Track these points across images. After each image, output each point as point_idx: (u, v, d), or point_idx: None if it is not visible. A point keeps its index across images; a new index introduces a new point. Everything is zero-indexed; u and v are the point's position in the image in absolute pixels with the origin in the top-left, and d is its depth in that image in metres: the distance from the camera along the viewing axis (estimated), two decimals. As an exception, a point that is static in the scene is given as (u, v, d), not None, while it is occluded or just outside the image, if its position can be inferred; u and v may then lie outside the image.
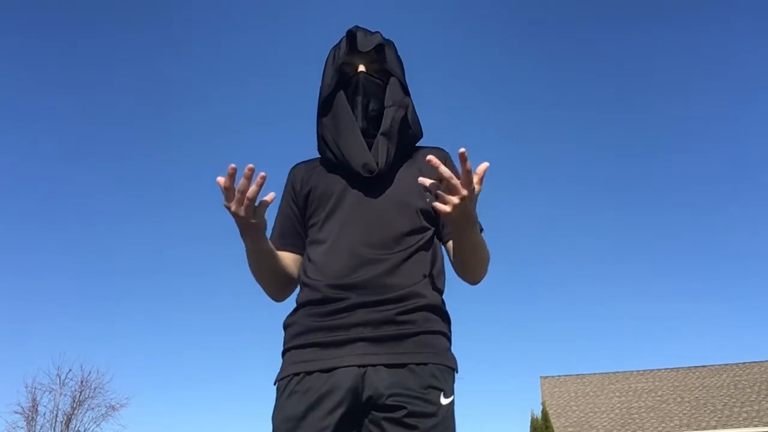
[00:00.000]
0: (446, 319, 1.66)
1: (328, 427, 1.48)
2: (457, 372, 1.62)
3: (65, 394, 21.13)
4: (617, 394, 21.39)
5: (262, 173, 1.46)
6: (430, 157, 1.44)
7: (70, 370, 22.68)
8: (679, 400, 20.30)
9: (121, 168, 30.23)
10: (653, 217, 32.53)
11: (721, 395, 20.16)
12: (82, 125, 30.32)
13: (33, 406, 20.70)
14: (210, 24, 30.56)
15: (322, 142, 1.80)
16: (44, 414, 20.85)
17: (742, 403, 19.54)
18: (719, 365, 22.20)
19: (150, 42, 30.22)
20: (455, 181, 1.43)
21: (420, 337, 1.57)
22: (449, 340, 1.65)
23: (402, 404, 1.48)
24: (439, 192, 1.46)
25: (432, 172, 1.47)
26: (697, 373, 21.91)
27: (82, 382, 21.34)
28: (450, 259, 1.75)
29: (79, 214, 31.73)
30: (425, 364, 1.54)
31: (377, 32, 1.82)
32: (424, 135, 1.87)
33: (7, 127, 29.00)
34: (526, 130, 33.44)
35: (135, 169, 30.66)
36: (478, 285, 1.76)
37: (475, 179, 1.45)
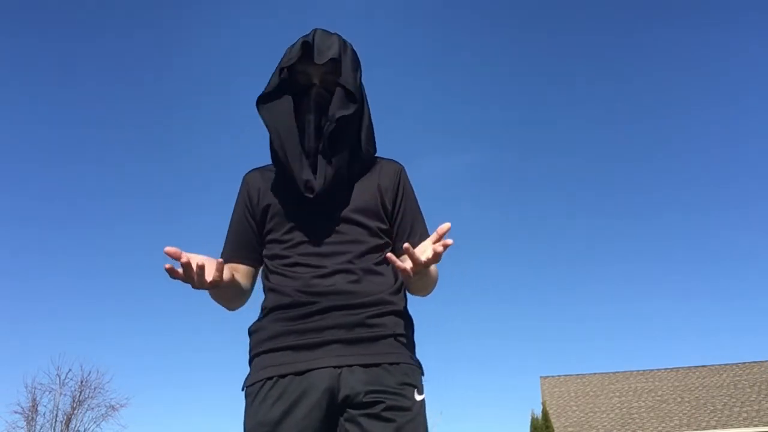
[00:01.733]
0: (411, 325, 1.71)
1: (305, 428, 1.49)
2: (423, 374, 1.66)
3: (65, 394, 21.14)
4: (617, 394, 21.40)
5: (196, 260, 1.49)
6: (407, 245, 1.48)
7: (70, 370, 22.70)
8: (679, 400, 20.30)
9: (122, 168, 30.24)
10: (653, 218, 32.56)
11: (721, 395, 20.16)
12: (82, 125, 30.34)
13: (33, 406, 20.71)
14: (211, 22, 30.57)
15: (273, 153, 1.74)
16: (44, 414, 20.86)
17: (742, 403, 19.55)
18: (719, 365, 22.21)
19: (150, 42, 30.24)
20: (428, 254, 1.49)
21: (390, 340, 1.61)
22: (414, 344, 1.70)
23: (380, 400, 1.51)
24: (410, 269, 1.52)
25: (387, 180, 1.75)
26: (697, 373, 21.92)
27: (82, 382, 21.35)
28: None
29: (79, 214, 31.76)
30: (398, 363, 1.58)
31: (335, 35, 1.75)
32: (392, 142, 1.87)
33: (7, 127, 29.03)
34: (525, 131, 33.46)
35: (135, 169, 30.68)
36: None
37: (440, 244, 1.48)
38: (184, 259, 1.47)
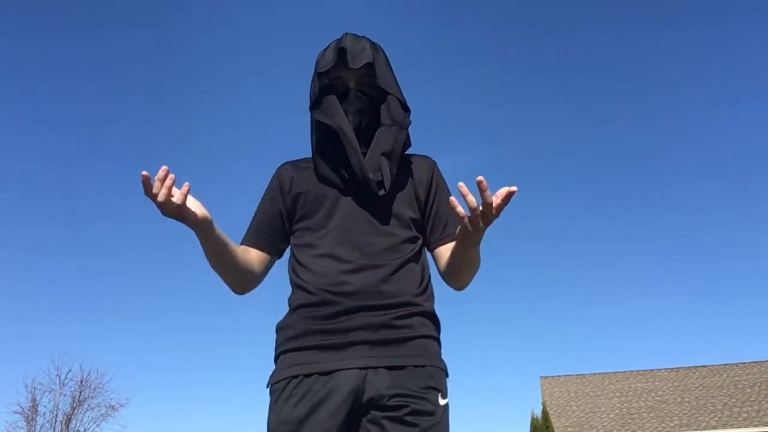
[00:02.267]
0: (438, 326, 1.69)
1: (330, 429, 1.49)
2: (448, 376, 1.66)
3: (65, 394, 21.16)
4: (617, 394, 21.39)
5: (172, 174, 1.45)
6: (461, 184, 1.42)
7: (70, 370, 22.79)
8: (679, 400, 20.30)
9: (122, 168, 30.21)
10: (653, 217, 32.56)
11: (721, 395, 20.16)
12: (82, 125, 30.34)
13: (33, 406, 20.72)
14: (212, 21, 30.56)
15: (318, 146, 1.76)
16: (44, 414, 20.89)
17: (742, 403, 19.55)
18: (719, 365, 22.21)
19: (150, 41, 30.23)
20: (479, 210, 1.43)
21: (417, 341, 1.60)
22: (440, 346, 1.68)
23: (404, 404, 1.51)
24: (466, 217, 1.46)
25: (420, 174, 1.75)
26: (697, 373, 21.91)
27: (82, 382, 21.38)
28: (437, 265, 1.76)
29: (79, 214, 31.76)
30: (423, 366, 1.57)
31: (364, 38, 1.77)
32: (419, 139, 1.85)
33: (7, 127, 29.02)
34: (525, 132, 33.46)
35: (135, 169, 30.60)
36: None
37: (500, 201, 1.43)
38: (167, 180, 1.43)
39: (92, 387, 21.37)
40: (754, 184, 31.55)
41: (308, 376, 1.55)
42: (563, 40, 33.00)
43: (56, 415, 20.84)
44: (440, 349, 1.68)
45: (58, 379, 21.15)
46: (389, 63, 1.80)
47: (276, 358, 1.65)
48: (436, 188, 1.79)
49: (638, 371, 22.78)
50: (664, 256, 32.83)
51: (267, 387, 1.63)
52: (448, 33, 32.89)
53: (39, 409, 20.81)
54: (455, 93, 33.87)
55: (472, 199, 1.42)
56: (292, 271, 1.72)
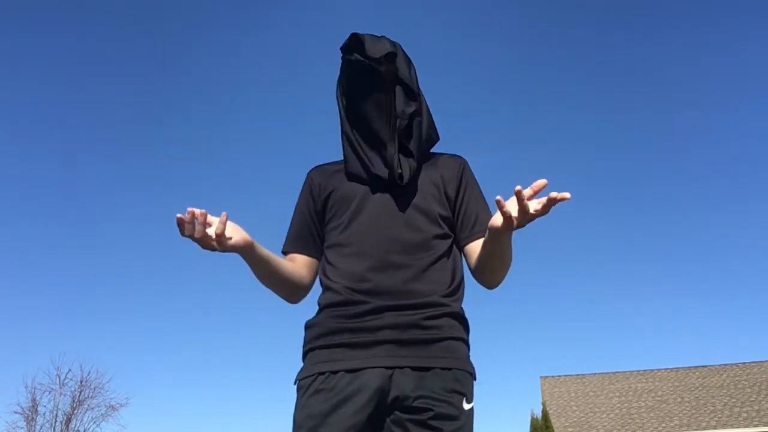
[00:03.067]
0: (467, 327, 1.68)
1: (354, 426, 1.49)
2: (475, 379, 1.65)
3: (65, 394, 21.18)
4: (617, 394, 21.40)
5: (203, 210, 1.49)
6: (518, 188, 1.38)
7: (69, 370, 22.87)
8: (679, 400, 20.30)
9: (122, 168, 30.22)
10: (653, 217, 32.56)
11: (721, 395, 20.16)
12: (82, 125, 30.33)
13: (33, 406, 20.74)
14: (217, 25, 30.56)
15: (348, 145, 1.77)
16: (44, 414, 20.91)
17: (742, 403, 19.55)
18: (719, 365, 22.21)
19: (150, 41, 30.23)
20: (529, 207, 1.40)
21: (445, 343, 1.59)
22: (469, 347, 1.67)
23: (428, 407, 1.51)
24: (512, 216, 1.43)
25: (449, 171, 1.76)
26: (697, 373, 21.92)
27: (81, 382, 21.40)
28: (468, 262, 1.75)
29: (79, 214, 31.75)
30: (449, 369, 1.57)
31: (383, 37, 1.78)
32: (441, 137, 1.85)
33: (7, 127, 29.01)
34: (525, 131, 33.45)
35: (135, 169, 30.66)
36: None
37: (546, 201, 1.40)
38: (199, 216, 1.47)
39: (92, 387, 21.41)
40: (754, 184, 31.58)
41: (335, 372, 1.55)
42: (563, 39, 33.02)
43: (56, 415, 20.87)
44: (469, 351, 1.66)
45: (58, 379, 21.19)
46: (410, 59, 1.81)
47: (304, 356, 1.66)
48: (466, 186, 1.78)
49: (638, 371, 22.78)
50: (665, 256, 32.87)
51: (294, 383, 1.63)
52: (450, 32, 32.90)
53: (39, 409, 20.84)
54: (465, 93, 33.87)
55: (528, 204, 1.39)
56: (322, 271, 1.73)
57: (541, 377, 23.12)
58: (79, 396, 21.24)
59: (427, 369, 1.54)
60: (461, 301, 1.69)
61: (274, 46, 31.42)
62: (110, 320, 31.36)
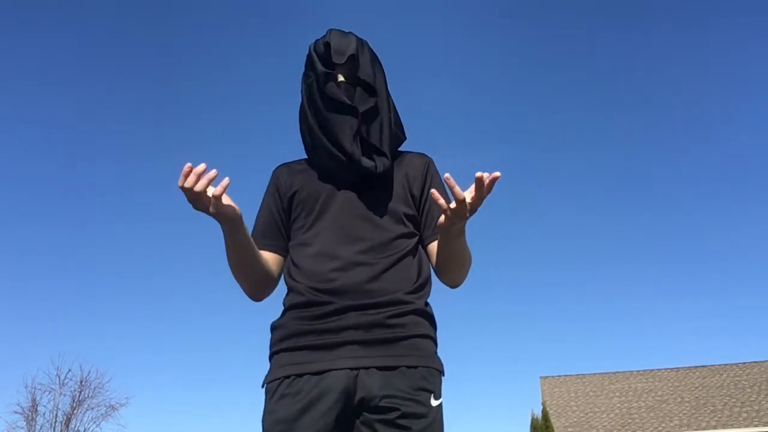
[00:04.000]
0: (433, 324, 1.68)
1: (322, 429, 1.49)
2: (443, 375, 1.65)
3: (65, 394, 21.19)
4: (617, 394, 21.39)
5: (214, 170, 1.48)
6: (447, 176, 1.46)
7: (69, 370, 22.83)
8: (679, 400, 20.29)
9: (121, 168, 30.23)
10: (653, 217, 32.55)
11: (721, 395, 20.15)
12: (82, 125, 30.33)
13: (33, 406, 20.74)
14: (213, 23, 30.56)
15: (311, 143, 1.77)
16: (44, 414, 20.91)
17: (742, 403, 19.54)
18: (719, 365, 22.20)
19: (149, 41, 30.23)
20: (466, 201, 1.48)
21: (410, 341, 1.59)
22: (436, 344, 1.67)
23: (395, 406, 1.51)
24: (449, 207, 1.50)
25: (415, 170, 1.76)
26: (697, 373, 21.90)
27: (81, 382, 21.40)
28: (430, 261, 1.76)
29: (79, 214, 31.76)
30: (415, 366, 1.57)
31: (350, 34, 1.79)
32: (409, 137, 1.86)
33: (7, 127, 29.01)
34: (525, 131, 33.45)
35: (135, 169, 30.66)
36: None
37: (485, 190, 1.48)
38: (209, 173, 1.46)
39: (92, 387, 21.42)
40: (754, 184, 31.58)
41: (300, 376, 1.55)
42: (563, 38, 33.00)
43: (56, 415, 20.87)
44: (436, 347, 1.66)
45: (58, 379, 21.19)
46: (376, 57, 1.82)
47: (270, 358, 1.66)
48: (430, 185, 1.79)
49: (638, 371, 22.76)
50: (665, 256, 32.86)
51: (262, 387, 1.63)
52: (449, 31, 32.88)
53: (39, 409, 20.85)
54: (461, 93, 33.86)
55: (460, 191, 1.46)
56: (287, 271, 1.73)
57: (541, 377, 23.11)
58: (79, 396, 21.27)
59: (393, 368, 1.54)
60: (427, 298, 1.69)
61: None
62: (110, 320, 31.39)
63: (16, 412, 20.82)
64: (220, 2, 30.49)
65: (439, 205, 1.49)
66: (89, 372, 23.98)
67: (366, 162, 1.69)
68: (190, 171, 1.45)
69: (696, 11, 31.50)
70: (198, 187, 1.46)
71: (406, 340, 1.59)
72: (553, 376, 23.10)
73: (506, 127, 34.29)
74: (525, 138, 33.80)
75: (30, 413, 20.63)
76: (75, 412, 21.16)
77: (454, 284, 1.76)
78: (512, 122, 34.01)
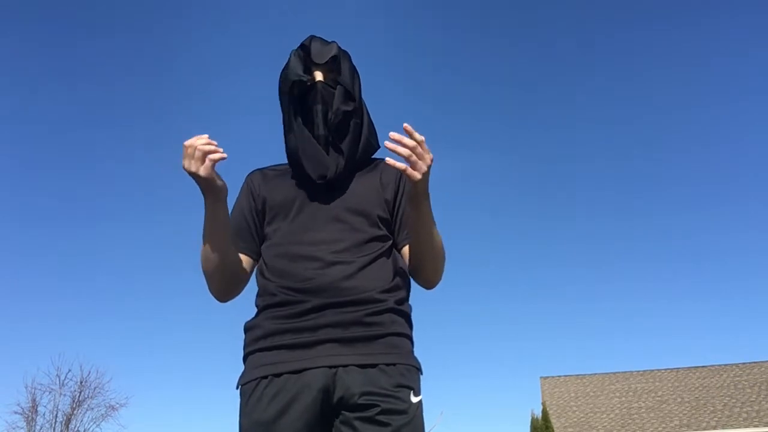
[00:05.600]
0: (410, 323, 1.69)
1: (301, 428, 1.49)
2: (422, 373, 1.65)
3: (65, 395, 21.13)
4: (617, 394, 21.38)
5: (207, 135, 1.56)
6: (406, 125, 1.51)
7: (69, 370, 22.76)
8: (679, 400, 20.29)
9: (121, 168, 30.23)
10: (653, 217, 32.55)
11: (721, 395, 20.14)
12: (82, 125, 30.34)
13: (33, 407, 20.70)
14: (208, 21, 30.56)
15: (287, 149, 1.80)
16: (44, 414, 20.86)
17: (742, 403, 19.53)
18: (719, 365, 22.19)
19: (149, 40, 30.23)
20: (419, 150, 1.54)
21: (388, 339, 1.59)
22: (412, 343, 1.67)
23: (375, 402, 1.50)
24: (410, 161, 1.55)
25: (388, 176, 1.77)
26: (697, 373, 21.90)
27: (81, 382, 21.35)
28: (407, 264, 1.76)
29: (79, 214, 31.76)
30: (394, 364, 1.56)
31: (333, 42, 1.81)
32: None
33: (7, 127, 29.02)
34: (526, 131, 33.46)
35: (135, 169, 30.67)
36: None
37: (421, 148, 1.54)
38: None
39: (92, 387, 21.36)
40: (754, 184, 31.57)
41: (278, 375, 1.54)
42: (558, 40, 33.00)
43: (56, 415, 20.83)
44: (413, 346, 1.67)
45: (57, 379, 21.14)
46: (356, 69, 1.83)
47: (244, 359, 1.65)
48: (404, 190, 1.79)
49: (638, 371, 22.75)
50: (665, 256, 32.86)
51: (237, 388, 1.62)
52: (443, 36, 32.89)
53: (39, 409, 20.80)
54: (449, 101, 33.87)
55: (409, 141, 1.51)
56: (259, 272, 1.73)
57: (541, 377, 23.11)
58: (79, 396, 21.22)
59: (372, 366, 1.54)
60: (404, 297, 1.69)
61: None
62: (110, 320, 31.37)
63: (16, 413, 20.74)
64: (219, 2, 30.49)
65: (398, 169, 1.54)
66: (89, 372, 23.85)
67: (322, 172, 1.71)
68: (197, 139, 1.53)
69: (695, 11, 31.50)
70: (199, 143, 1.52)
71: (384, 338, 1.58)
72: (553, 376, 23.10)
73: (506, 127, 34.29)
74: (525, 138, 33.80)
75: (30, 413, 20.61)
76: (75, 412, 21.13)
77: (429, 282, 1.75)
78: (512, 122, 34.02)
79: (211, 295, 1.75)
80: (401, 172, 1.80)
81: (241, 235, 1.77)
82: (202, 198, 1.60)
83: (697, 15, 31.31)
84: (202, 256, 1.67)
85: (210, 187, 1.57)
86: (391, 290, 1.65)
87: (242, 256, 1.76)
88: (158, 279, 32.42)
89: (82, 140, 30.26)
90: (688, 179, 32.33)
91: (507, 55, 33.81)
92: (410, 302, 1.73)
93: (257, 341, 1.62)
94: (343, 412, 1.51)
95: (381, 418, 1.49)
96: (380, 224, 1.73)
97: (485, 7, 33.99)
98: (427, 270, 1.73)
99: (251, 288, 1.79)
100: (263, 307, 1.65)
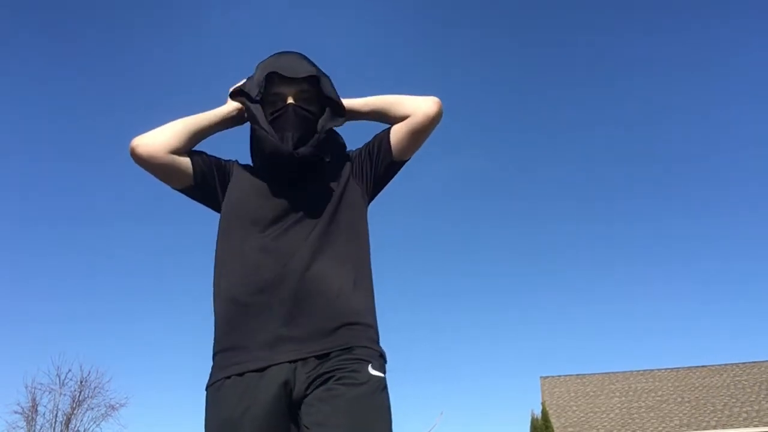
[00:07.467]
0: (371, 312, 1.69)
1: (267, 424, 1.51)
2: (386, 361, 1.65)
3: (65, 394, 21.15)
4: (617, 394, 21.38)
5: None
6: None
7: (69, 370, 22.74)
8: (679, 400, 20.28)
9: (121, 168, 30.22)
10: (653, 218, 32.55)
11: (721, 395, 20.14)
12: (82, 125, 30.35)
13: (33, 406, 20.71)
14: (205, 17, 30.57)
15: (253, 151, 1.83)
16: (44, 414, 20.87)
17: (742, 403, 19.53)
18: (719, 365, 22.18)
19: (148, 40, 30.24)
20: None
21: (344, 329, 1.60)
22: (377, 333, 1.67)
23: (331, 375, 1.52)
24: None
25: (361, 173, 1.79)
26: (697, 373, 21.89)
27: (81, 382, 21.36)
28: (400, 137, 1.80)
29: (80, 214, 31.77)
30: (350, 347, 1.58)
31: (305, 57, 1.77)
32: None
33: (7, 126, 29.03)
34: (519, 136, 33.45)
35: (136, 169, 30.62)
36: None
37: None
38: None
39: (92, 387, 21.37)
40: (754, 184, 31.57)
41: (241, 375, 1.57)
42: (557, 44, 33.00)
43: (56, 415, 20.85)
44: (376, 335, 1.67)
45: (58, 379, 21.15)
46: (333, 85, 1.79)
47: (213, 359, 1.67)
48: (367, 151, 1.83)
49: (639, 371, 22.75)
50: (665, 256, 32.85)
51: (205, 389, 1.64)
52: (440, 38, 32.89)
53: (39, 409, 20.81)
54: (448, 99, 33.88)
55: None
56: (219, 274, 1.73)
57: (541, 377, 23.11)
58: (79, 396, 21.23)
59: (329, 353, 1.56)
60: (367, 290, 1.70)
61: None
62: (110, 320, 31.38)
63: (16, 412, 20.75)
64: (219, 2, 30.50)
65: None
66: (89, 372, 23.81)
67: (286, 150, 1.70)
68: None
69: (696, 12, 31.50)
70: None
71: (341, 328, 1.60)
72: (553, 376, 23.09)
73: (506, 128, 34.29)
74: (524, 139, 33.80)
75: (30, 413, 20.63)
76: (75, 412, 21.14)
77: (424, 115, 1.80)
78: (511, 123, 34.01)
79: (140, 139, 1.81)
80: (351, 151, 1.86)
81: (206, 162, 1.81)
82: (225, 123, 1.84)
83: (695, 18, 31.30)
84: (179, 123, 1.77)
85: (233, 112, 1.82)
86: (354, 283, 1.67)
87: (187, 160, 1.78)
88: (158, 279, 32.45)
89: (81, 140, 30.29)
90: (688, 180, 32.35)
91: (498, 58, 33.81)
92: (375, 290, 1.74)
93: (220, 342, 1.66)
94: (304, 399, 1.53)
95: (335, 384, 1.51)
96: (344, 221, 1.73)
97: (476, 9, 33.98)
98: (411, 113, 1.80)
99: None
100: (224, 310, 1.69)
